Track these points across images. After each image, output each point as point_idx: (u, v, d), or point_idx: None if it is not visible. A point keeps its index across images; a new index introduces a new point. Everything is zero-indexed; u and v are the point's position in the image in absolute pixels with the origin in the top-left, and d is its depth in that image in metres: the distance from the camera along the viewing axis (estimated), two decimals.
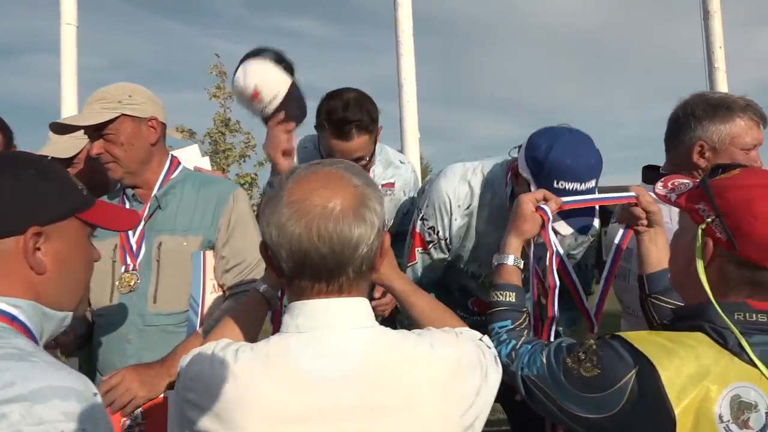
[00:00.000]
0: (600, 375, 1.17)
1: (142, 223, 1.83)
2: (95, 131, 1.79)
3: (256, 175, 11.13)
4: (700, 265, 1.17)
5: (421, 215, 2.06)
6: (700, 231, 1.18)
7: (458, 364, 1.09)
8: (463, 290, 2.15)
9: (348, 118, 2.06)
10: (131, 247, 1.81)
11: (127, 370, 1.59)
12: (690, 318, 1.19)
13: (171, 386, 1.56)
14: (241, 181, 10.83)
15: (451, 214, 1.99)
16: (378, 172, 2.41)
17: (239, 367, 1.04)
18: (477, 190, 1.97)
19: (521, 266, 1.56)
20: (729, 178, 1.21)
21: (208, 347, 1.12)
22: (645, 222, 1.59)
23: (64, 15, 3.44)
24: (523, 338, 1.42)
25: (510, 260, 1.54)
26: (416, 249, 2.06)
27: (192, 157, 2.21)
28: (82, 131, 1.84)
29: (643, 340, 1.17)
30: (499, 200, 1.93)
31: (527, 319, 1.50)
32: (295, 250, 1.02)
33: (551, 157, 1.59)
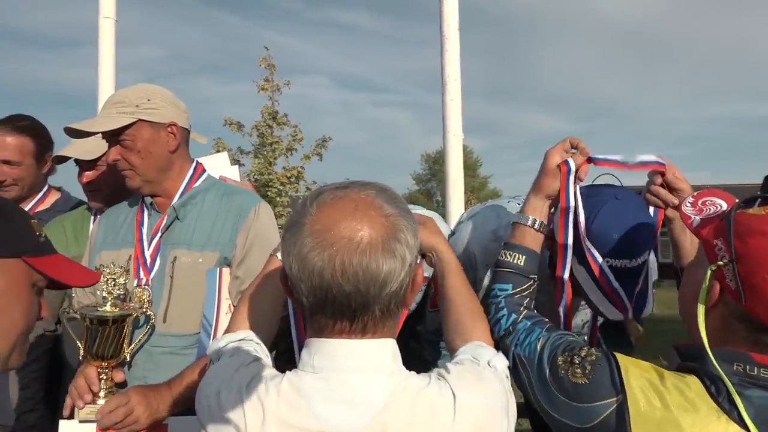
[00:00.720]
0: (586, 386, 1.12)
1: (159, 234, 1.73)
2: (112, 136, 1.70)
3: (302, 168, 11.13)
4: (700, 310, 1.05)
5: None
6: (709, 272, 1.04)
7: (486, 413, 0.99)
8: None
9: None
10: (145, 260, 1.71)
11: (133, 391, 1.48)
12: (690, 358, 1.10)
13: (174, 413, 1.47)
14: (288, 174, 10.85)
15: (476, 271, 1.76)
16: None
17: (248, 402, 0.96)
18: None
19: (543, 229, 1.42)
20: (760, 217, 1.02)
21: (226, 367, 1.06)
22: (674, 201, 1.41)
23: (102, 8, 3.39)
24: (524, 312, 1.34)
25: (528, 221, 1.42)
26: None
27: (220, 165, 2.08)
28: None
29: (635, 370, 1.09)
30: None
31: (532, 287, 1.39)
32: (316, 285, 0.93)
33: (594, 230, 1.38)
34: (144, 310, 1.64)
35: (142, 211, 1.79)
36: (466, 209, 2.58)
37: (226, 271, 1.69)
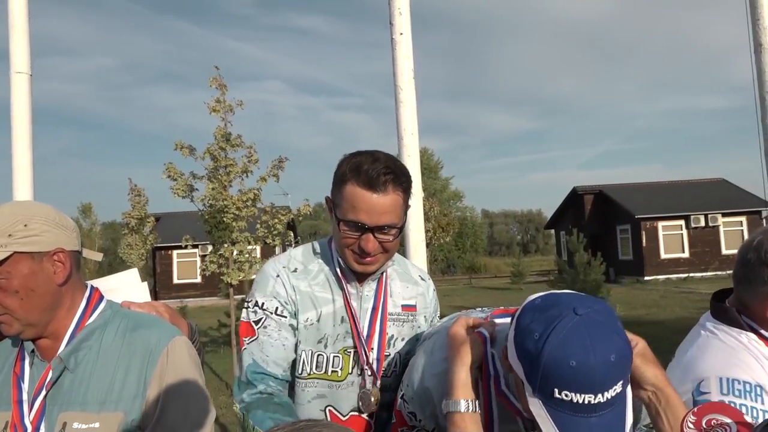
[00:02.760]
0: None
1: (43, 392, 1.36)
2: None
3: (259, 190, 10.68)
4: None
5: (401, 393, 1.59)
6: None
7: None
8: None
9: (380, 169, 1.60)
10: (25, 429, 1.33)
11: None
12: None
13: None
14: (244, 197, 10.39)
15: (436, 405, 1.48)
16: (396, 289, 1.84)
17: None
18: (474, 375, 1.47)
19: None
20: None
21: None
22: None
23: (15, 63, 3.00)
24: None
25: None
26: (399, 429, 1.60)
27: (124, 284, 1.68)
28: None
29: None
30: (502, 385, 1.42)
31: None
32: None
33: (547, 355, 1.08)
34: None
35: (22, 359, 1.41)
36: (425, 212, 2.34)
37: None
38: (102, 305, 1.48)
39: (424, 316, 1.88)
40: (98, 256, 1.54)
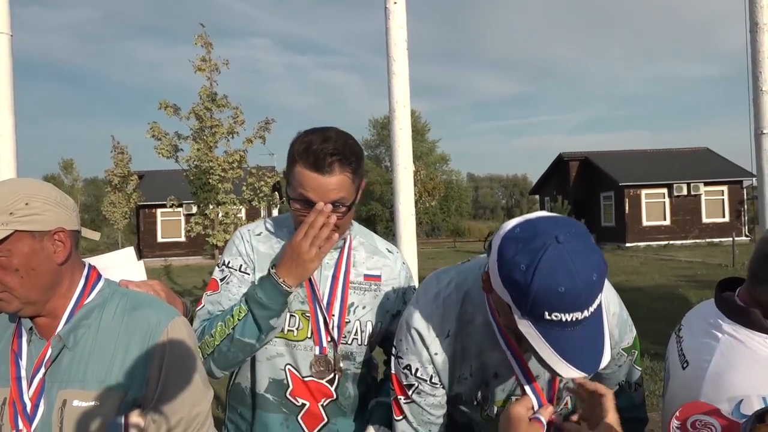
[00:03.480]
0: None
1: (42, 369, 1.38)
2: None
3: (245, 152, 10.60)
4: None
5: (395, 352, 1.62)
6: None
7: None
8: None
9: (328, 150, 1.63)
10: (24, 406, 1.35)
11: None
12: None
13: None
14: (230, 159, 10.31)
15: (428, 348, 1.55)
16: (359, 259, 1.88)
17: None
18: (454, 309, 1.55)
19: None
20: None
21: None
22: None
23: None
24: None
25: None
26: (398, 398, 1.60)
27: (120, 262, 1.67)
28: None
29: None
30: (482, 316, 1.53)
31: None
32: None
33: (537, 285, 1.16)
34: None
35: (20, 336, 1.42)
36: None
37: (134, 415, 1.36)
38: (100, 284, 1.48)
39: (393, 288, 1.90)
40: (96, 236, 1.54)
